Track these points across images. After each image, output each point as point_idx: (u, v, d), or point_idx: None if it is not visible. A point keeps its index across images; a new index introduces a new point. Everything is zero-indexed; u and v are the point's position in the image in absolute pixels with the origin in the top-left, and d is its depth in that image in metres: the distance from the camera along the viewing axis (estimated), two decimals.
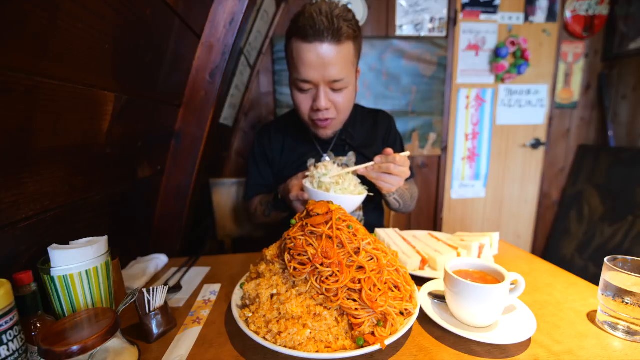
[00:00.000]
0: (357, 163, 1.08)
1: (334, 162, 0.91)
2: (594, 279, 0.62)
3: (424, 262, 0.76)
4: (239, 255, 0.93)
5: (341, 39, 0.84)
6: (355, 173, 0.88)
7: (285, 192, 0.93)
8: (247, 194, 1.16)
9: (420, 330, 0.56)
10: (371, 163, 0.85)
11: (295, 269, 0.52)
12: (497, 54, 2.21)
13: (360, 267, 0.52)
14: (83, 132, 0.64)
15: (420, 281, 0.68)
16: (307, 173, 0.87)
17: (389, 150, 0.84)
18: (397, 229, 0.92)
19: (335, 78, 0.86)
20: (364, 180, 0.89)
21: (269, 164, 1.13)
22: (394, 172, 0.83)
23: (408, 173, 0.85)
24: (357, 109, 1.12)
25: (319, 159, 1.07)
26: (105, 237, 0.58)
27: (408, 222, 2.44)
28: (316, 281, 0.50)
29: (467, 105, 2.33)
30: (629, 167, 2.16)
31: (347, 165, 1.03)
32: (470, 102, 2.32)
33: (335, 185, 0.82)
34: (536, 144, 2.43)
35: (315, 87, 0.89)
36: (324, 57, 0.84)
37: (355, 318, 0.49)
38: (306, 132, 1.09)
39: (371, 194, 0.87)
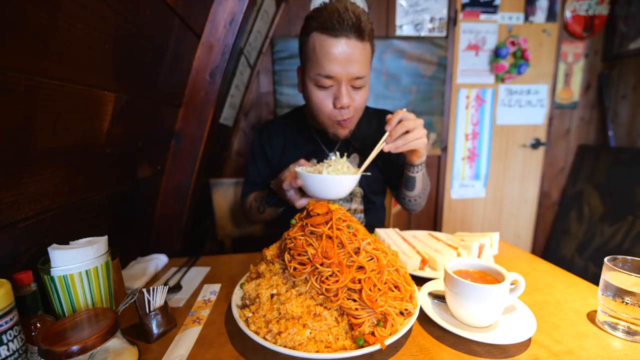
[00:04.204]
0: (360, 164, 1.08)
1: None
2: (594, 279, 0.62)
3: (424, 262, 0.76)
4: (239, 255, 0.93)
5: (364, 37, 0.85)
6: (377, 157, 0.87)
7: (278, 185, 0.92)
8: (243, 192, 1.15)
9: (420, 330, 0.56)
10: (385, 136, 0.83)
11: (295, 269, 0.52)
12: (497, 54, 2.21)
13: (360, 267, 0.52)
14: (83, 132, 0.64)
15: (420, 281, 0.68)
16: (309, 168, 0.86)
17: (389, 116, 0.84)
18: (397, 229, 0.92)
19: (358, 75, 0.87)
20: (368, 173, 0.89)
21: (268, 163, 1.13)
22: (410, 126, 0.81)
23: (421, 120, 0.83)
24: (364, 110, 1.11)
25: (323, 160, 1.06)
26: (105, 237, 0.58)
27: (408, 222, 2.44)
28: (316, 281, 0.50)
29: (467, 105, 2.33)
30: (629, 167, 2.16)
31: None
32: (470, 102, 2.32)
33: (327, 167, 0.82)
34: (536, 144, 2.43)
35: (336, 84, 0.88)
36: (349, 53, 0.84)
37: (355, 318, 0.49)
38: (310, 132, 1.08)
39: (368, 174, 0.87)
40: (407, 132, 0.82)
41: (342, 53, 0.84)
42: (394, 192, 1.17)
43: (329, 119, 0.94)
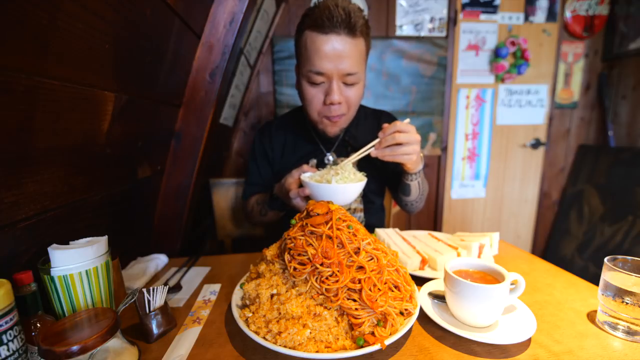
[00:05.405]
0: (359, 164, 1.08)
1: (336, 163, 0.91)
2: (594, 279, 0.62)
3: (424, 262, 0.76)
4: (239, 255, 0.93)
5: (356, 33, 0.85)
6: (362, 160, 0.87)
7: (282, 191, 0.91)
8: (245, 193, 1.15)
9: (420, 330, 0.56)
10: (376, 141, 0.84)
11: (295, 269, 0.52)
12: (497, 54, 2.21)
13: (360, 267, 0.52)
14: (83, 132, 0.64)
15: (420, 281, 0.68)
16: (314, 175, 0.86)
17: (386, 125, 0.84)
18: (397, 229, 0.92)
19: (349, 71, 0.87)
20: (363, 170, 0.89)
21: (269, 163, 1.13)
22: (402, 140, 0.80)
23: (418, 137, 0.82)
24: (361, 109, 1.11)
25: (321, 159, 1.06)
26: (105, 237, 0.58)
27: (408, 222, 2.44)
28: (316, 281, 0.50)
29: (467, 105, 2.33)
30: (629, 167, 2.16)
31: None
32: (470, 102, 2.32)
33: (335, 175, 0.82)
34: (536, 144, 2.43)
35: (328, 81, 0.88)
36: (339, 49, 0.84)
37: (355, 318, 0.49)
38: (309, 132, 1.08)
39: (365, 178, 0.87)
40: (399, 144, 0.81)
41: (332, 49, 0.84)
42: (392, 194, 1.17)
43: (319, 115, 0.94)
